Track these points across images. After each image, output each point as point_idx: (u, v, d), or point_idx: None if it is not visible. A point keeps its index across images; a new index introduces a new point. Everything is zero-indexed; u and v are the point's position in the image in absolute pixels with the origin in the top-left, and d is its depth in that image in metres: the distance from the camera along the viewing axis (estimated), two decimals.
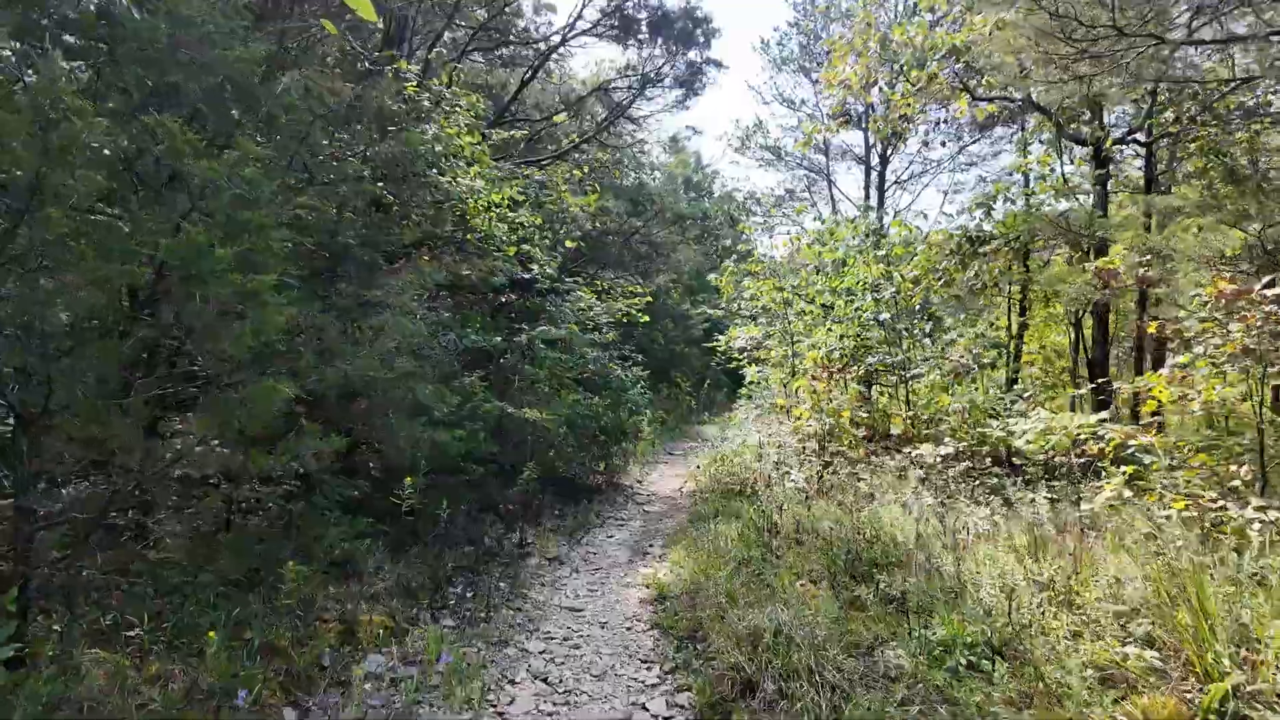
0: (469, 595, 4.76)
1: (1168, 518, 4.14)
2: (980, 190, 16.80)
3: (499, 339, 7.04)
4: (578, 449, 8.65)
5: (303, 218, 3.70)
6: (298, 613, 3.75)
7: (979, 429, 7.36)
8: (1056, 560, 3.87)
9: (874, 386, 9.77)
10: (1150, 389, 5.65)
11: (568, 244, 8.27)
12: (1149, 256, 7.73)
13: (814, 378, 7.19)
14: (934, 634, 3.36)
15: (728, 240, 28.27)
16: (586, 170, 10.35)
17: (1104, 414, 5.95)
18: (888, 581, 4.18)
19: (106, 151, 2.39)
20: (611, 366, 9.17)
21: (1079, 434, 5.62)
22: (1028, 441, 5.97)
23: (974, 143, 15.46)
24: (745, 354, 13.13)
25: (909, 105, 10.15)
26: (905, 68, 8.90)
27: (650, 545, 6.39)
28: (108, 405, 2.42)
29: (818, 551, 5.10)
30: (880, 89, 10.01)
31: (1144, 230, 9.13)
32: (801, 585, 4.49)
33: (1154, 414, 5.85)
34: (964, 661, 3.18)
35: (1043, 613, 3.33)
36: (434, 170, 6.01)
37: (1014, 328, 12.31)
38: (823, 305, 10.55)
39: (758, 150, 16.62)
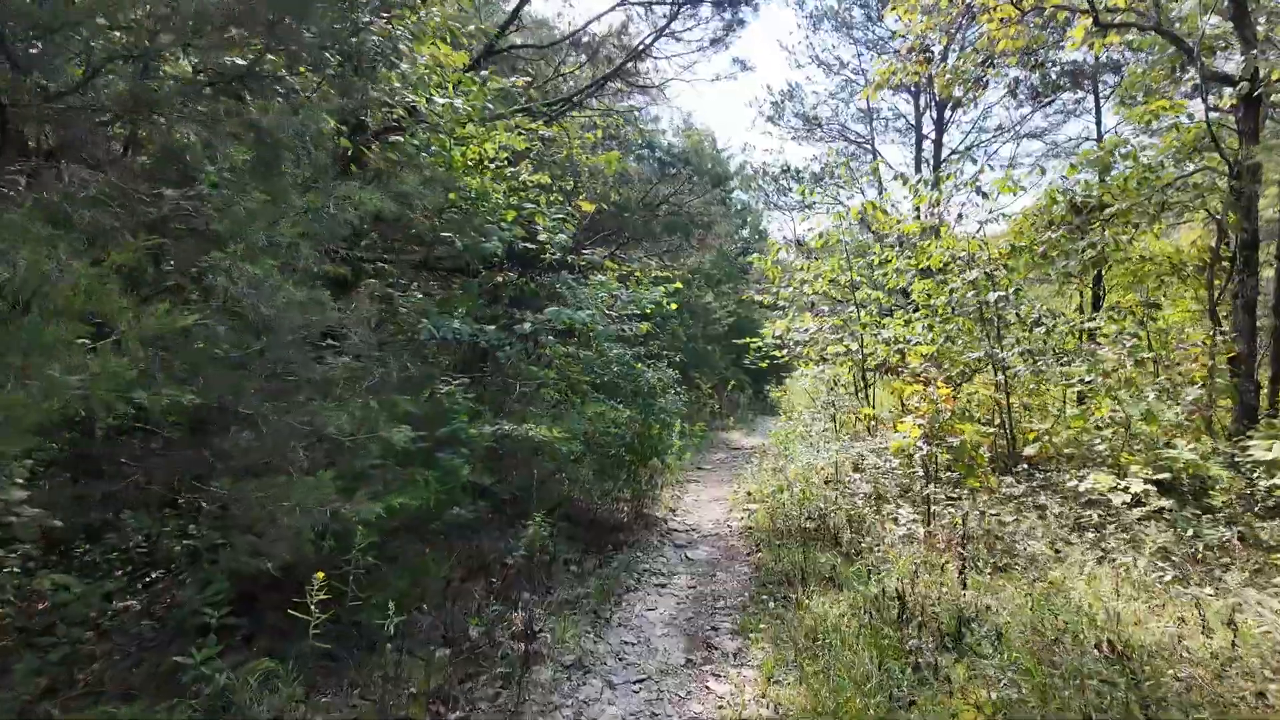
0: None
1: None
2: (1038, 162, 14.73)
3: (493, 329, 5.06)
4: (599, 475, 6.68)
5: None
6: None
7: (1153, 450, 5.35)
8: None
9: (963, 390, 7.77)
10: None
11: (583, 206, 6.31)
12: None
13: (926, 381, 5.21)
14: None
15: (745, 230, 26.26)
16: (603, 130, 8.31)
17: None
18: None
19: None
20: (639, 367, 7.18)
21: None
22: None
23: (1044, 107, 13.43)
24: (788, 351, 11.13)
25: (1008, 38, 8.14)
26: None
27: (713, 628, 4.39)
28: None
29: (1012, 671, 3.09)
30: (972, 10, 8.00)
31: None
32: None
33: None
34: None
35: None
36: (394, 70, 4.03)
37: (1086, 316, 10.28)
38: (901, 289, 8.54)
39: (791, 119, 14.59)
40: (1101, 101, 13.41)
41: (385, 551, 3.99)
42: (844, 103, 14.66)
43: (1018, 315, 6.89)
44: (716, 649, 4.05)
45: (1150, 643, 3.08)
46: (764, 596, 4.75)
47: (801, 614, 4.16)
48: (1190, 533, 4.32)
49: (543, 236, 5.53)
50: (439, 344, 6.32)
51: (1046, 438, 5.75)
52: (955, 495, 5.48)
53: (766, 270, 9.10)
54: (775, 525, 6.25)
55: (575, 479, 6.39)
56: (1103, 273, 10.64)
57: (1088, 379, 5.51)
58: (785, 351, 11.18)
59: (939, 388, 5.04)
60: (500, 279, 5.64)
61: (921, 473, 5.67)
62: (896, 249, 7.66)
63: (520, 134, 6.09)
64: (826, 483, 6.94)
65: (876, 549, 5.01)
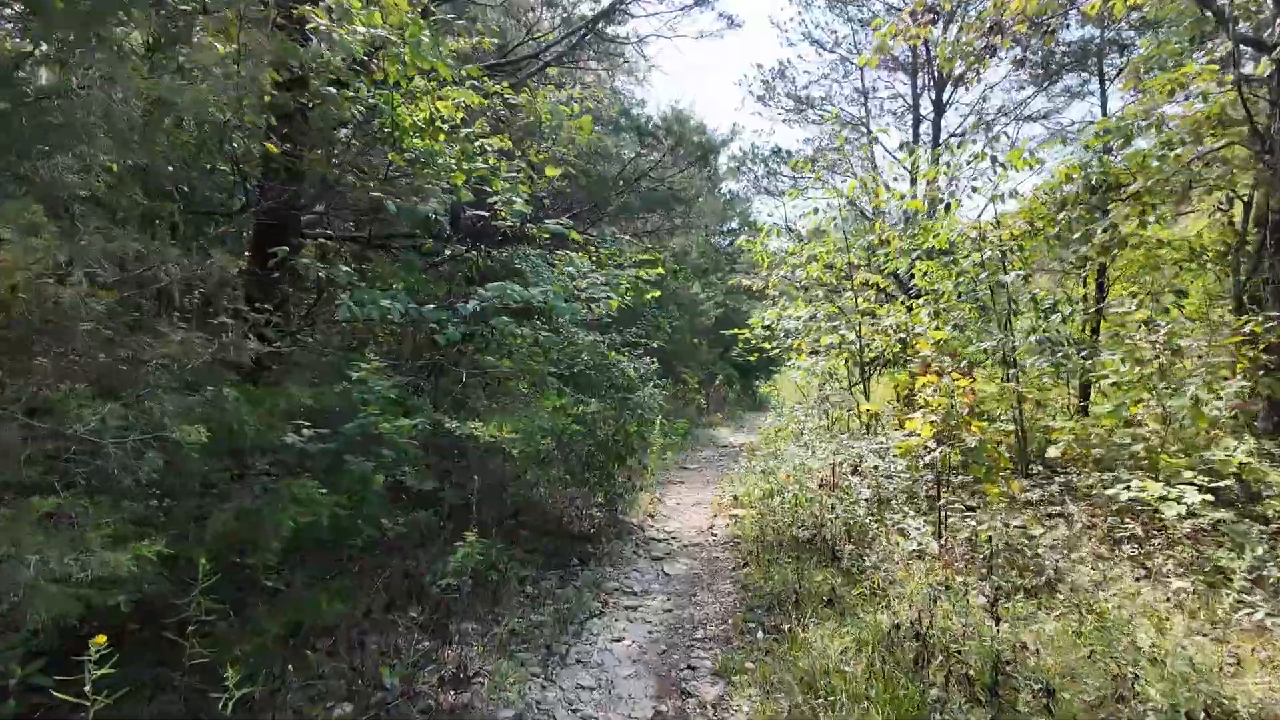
0: None
1: None
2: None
3: (434, 307, 4.27)
4: (565, 478, 5.92)
5: None
6: None
7: (1196, 451, 4.66)
8: None
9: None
10: None
11: (548, 171, 5.52)
12: None
13: (939, 372, 4.49)
14: None
15: (735, 222, 25.49)
16: (580, 105, 7.50)
17: None
18: None
19: None
20: (613, 356, 6.42)
21: None
22: None
23: (1049, 86, 12.79)
24: (779, 343, 10.41)
25: None
26: None
27: (690, 667, 3.64)
28: None
29: None
30: None
31: None
32: None
33: None
34: None
35: None
36: None
37: (1091, 307, 9.65)
38: (898, 275, 7.84)
39: (782, 100, 13.83)
40: (1107, 84, 12.79)
41: (283, 578, 3.21)
42: (837, 83, 13.94)
43: (1033, 300, 6.20)
44: (693, 696, 3.30)
45: (1251, 705, 2.37)
46: (751, 624, 4.02)
47: (796, 652, 3.42)
48: (1259, 550, 3.62)
49: (494, 199, 4.73)
50: (392, 327, 5.54)
51: (1070, 437, 5.06)
52: (971, 503, 4.77)
53: (756, 255, 8.34)
54: (764, 535, 5.52)
55: (539, 482, 5.62)
56: (1106, 262, 9.99)
57: (1123, 369, 4.80)
58: (775, 344, 10.46)
59: (955, 379, 4.32)
60: (450, 251, 4.84)
61: (931, 477, 4.96)
62: (900, 228, 6.93)
63: (475, 88, 5.29)
64: (821, 486, 6.23)
65: (882, 567, 4.29)
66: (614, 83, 11.73)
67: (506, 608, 4.16)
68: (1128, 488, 4.18)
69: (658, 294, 8.82)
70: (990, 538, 3.92)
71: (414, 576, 4.18)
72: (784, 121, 14.63)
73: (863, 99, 13.63)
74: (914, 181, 10.26)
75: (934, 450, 4.52)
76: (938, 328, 6.28)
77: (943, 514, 4.64)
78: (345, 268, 4.27)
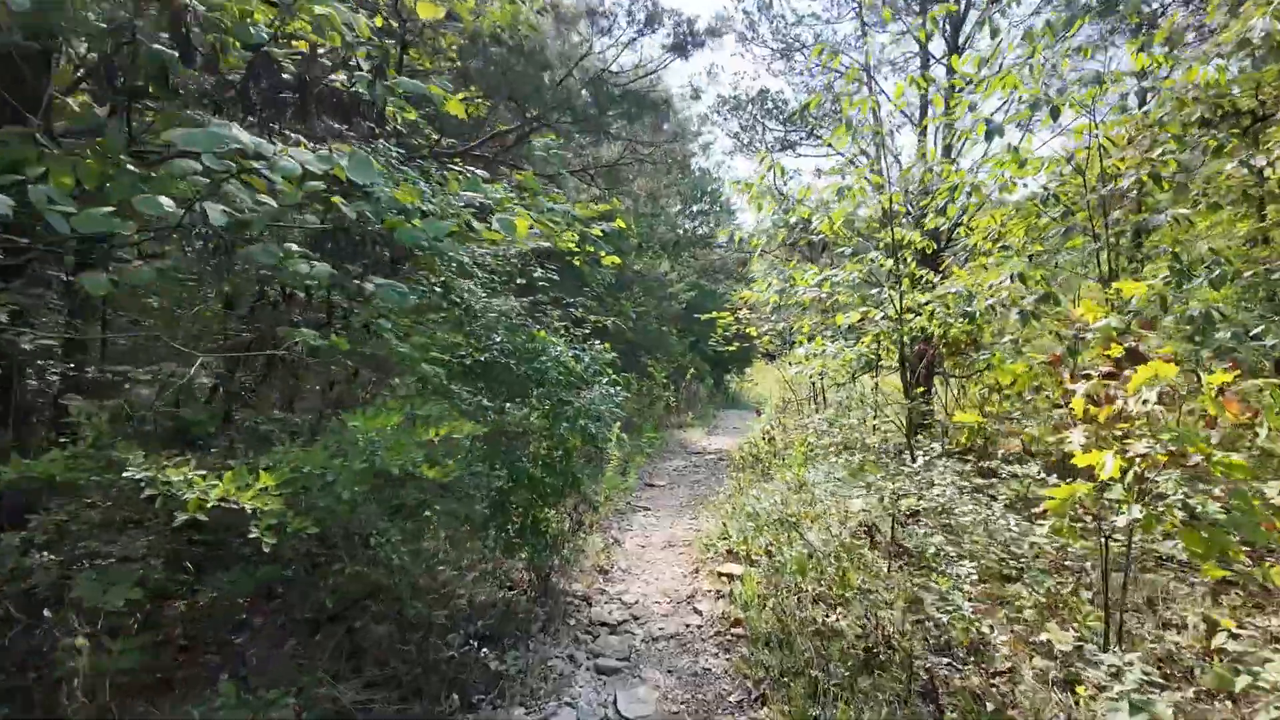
0: None
1: None
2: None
3: (82, 212, 1.86)
4: (461, 529, 3.60)
5: None
6: None
7: None
8: None
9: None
10: None
11: (421, 12, 3.16)
12: None
13: (1139, 358, 2.34)
14: None
15: (705, 202, 23.27)
16: None
17: None
18: None
19: None
20: (543, 336, 4.10)
21: None
22: None
23: (1062, 40, 10.88)
24: (770, 326, 8.27)
25: None
26: None
27: None
28: None
29: None
30: None
31: None
32: None
33: None
34: None
35: None
36: None
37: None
38: (947, 228, 5.73)
39: (769, 40, 11.64)
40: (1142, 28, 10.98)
41: None
42: (832, 24, 11.89)
43: (1173, 255, 4.09)
44: None
45: None
46: None
47: None
48: None
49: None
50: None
51: None
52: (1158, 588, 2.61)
53: (751, 199, 6.07)
54: (784, 624, 3.30)
55: (395, 548, 3.26)
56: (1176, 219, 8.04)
57: None
58: (767, 328, 8.30)
59: (1217, 377, 2.15)
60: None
61: (1096, 545, 2.78)
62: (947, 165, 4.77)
63: None
64: (862, 537, 4.05)
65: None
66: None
67: None
68: None
69: (617, 260, 6.50)
70: None
71: None
72: (769, 69, 12.46)
73: (862, 30, 11.58)
74: (926, 114, 8.19)
75: (1130, 506, 2.32)
76: (1037, 281, 4.15)
77: (1121, 620, 2.46)
78: None
